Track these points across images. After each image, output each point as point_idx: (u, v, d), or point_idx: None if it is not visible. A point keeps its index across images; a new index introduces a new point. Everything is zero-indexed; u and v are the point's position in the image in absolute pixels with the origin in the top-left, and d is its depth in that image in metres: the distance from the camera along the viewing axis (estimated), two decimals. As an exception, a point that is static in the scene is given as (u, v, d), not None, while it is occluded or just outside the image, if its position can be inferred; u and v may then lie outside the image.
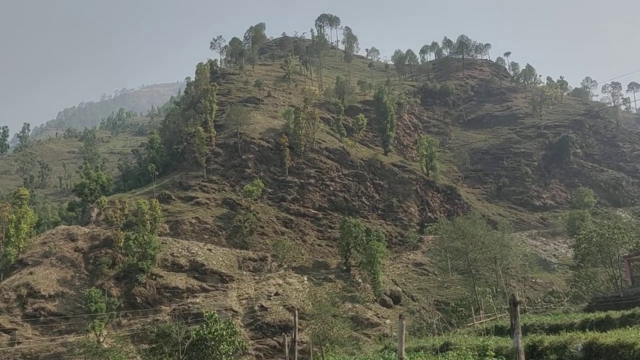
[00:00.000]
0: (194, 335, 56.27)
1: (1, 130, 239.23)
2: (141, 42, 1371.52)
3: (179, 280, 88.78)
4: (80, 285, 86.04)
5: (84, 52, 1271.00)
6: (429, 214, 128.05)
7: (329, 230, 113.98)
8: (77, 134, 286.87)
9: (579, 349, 23.31)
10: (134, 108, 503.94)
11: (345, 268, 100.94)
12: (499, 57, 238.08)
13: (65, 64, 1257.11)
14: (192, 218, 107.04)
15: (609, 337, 22.51)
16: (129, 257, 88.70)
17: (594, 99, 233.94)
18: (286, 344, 39.03)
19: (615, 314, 34.60)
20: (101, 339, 72.69)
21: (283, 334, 35.85)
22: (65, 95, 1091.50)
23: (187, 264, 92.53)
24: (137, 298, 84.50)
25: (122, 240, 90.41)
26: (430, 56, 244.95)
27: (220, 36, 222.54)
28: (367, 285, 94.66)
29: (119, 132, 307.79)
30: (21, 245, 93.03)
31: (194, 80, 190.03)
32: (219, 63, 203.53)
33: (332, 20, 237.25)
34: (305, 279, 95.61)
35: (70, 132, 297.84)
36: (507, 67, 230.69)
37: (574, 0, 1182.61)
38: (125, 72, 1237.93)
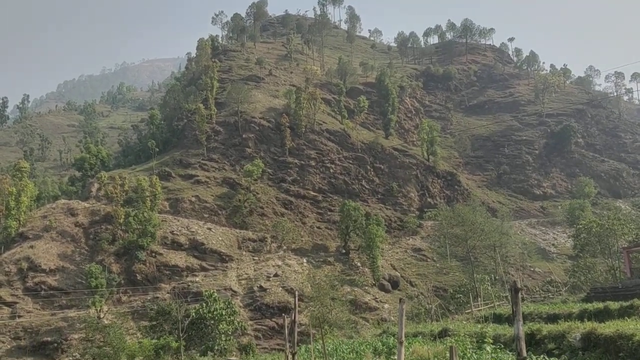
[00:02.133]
0: (193, 314, 56.93)
1: (0, 101, 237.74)
2: (143, 14, 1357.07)
3: (179, 259, 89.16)
4: (80, 260, 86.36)
5: (85, 23, 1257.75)
6: (429, 200, 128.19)
7: (329, 213, 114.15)
8: (76, 107, 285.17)
9: (578, 339, 23.53)
10: (134, 82, 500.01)
11: (344, 251, 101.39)
12: (503, 43, 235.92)
13: (65, 35, 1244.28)
14: (192, 196, 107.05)
15: (607, 328, 22.70)
16: (129, 233, 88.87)
17: (597, 88, 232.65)
18: (285, 325, 39.35)
19: (613, 305, 34.88)
20: (101, 315, 73.27)
21: (283, 315, 36.11)
22: (65, 67, 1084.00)
23: (187, 243, 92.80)
24: (137, 275, 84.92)
25: (122, 216, 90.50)
26: (434, 39, 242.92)
27: (222, 11, 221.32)
28: (366, 269, 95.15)
29: (119, 106, 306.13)
30: (22, 219, 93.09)
31: (195, 56, 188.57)
32: (220, 39, 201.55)
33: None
34: (305, 261, 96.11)
35: (70, 105, 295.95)
36: (510, 52, 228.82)
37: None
38: (126, 46, 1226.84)
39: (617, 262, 67.55)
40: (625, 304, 34.19)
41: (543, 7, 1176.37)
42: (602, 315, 32.64)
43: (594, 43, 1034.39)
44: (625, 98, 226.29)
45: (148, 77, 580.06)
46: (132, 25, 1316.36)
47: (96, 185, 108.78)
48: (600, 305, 36.14)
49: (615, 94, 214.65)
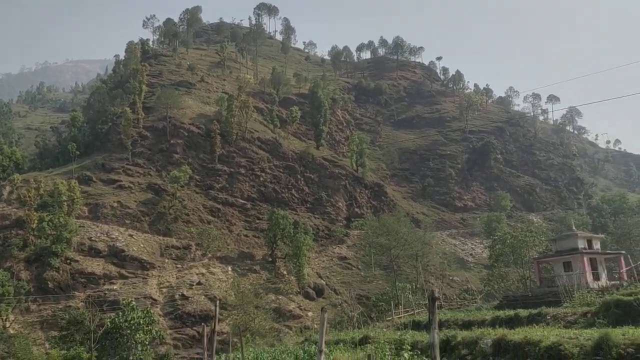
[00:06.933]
0: (108, 323, 54.32)
1: None
2: (68, 11, 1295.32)
3: (96, 266, 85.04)
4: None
5: (2, 17, 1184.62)
6: (356, 210, 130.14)
7: (257, 221, 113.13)
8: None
9: (489, 345, 24.49)
10: (56, 83, 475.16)
11: (270, 259, 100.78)
12: (431, 61, 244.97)
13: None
14: (114, 202, 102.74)
15: (516, 334, 23.76)
16: (42, 239, 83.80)
17: (516, 108, 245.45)
18: (205, 334, 38.34)
19: (523, 312, 36.59)
20: (7, 324, 68.54)
21: (202, 324, 35.23)
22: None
23: (106, 249, 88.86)
24: (49, 283, 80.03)
25: (35, 221, 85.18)
26: (366, 54, 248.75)
27: (154, 15, 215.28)
28: (292, 277, 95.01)
29: (38, 107, 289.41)
30: None
31: (123, 58, 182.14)
32: (151, 43, 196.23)
33: (271, 10, 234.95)
34: (230, 269, 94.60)
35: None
36: (438, 71, 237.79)
37: (502, 16, 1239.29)
38: (49, 44, 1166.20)
39: (528, 271, 70.95)
40: (534, 311, 35.95)
41: (469, 30, 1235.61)
42: (513, 322, 34.14)
43: (515, 65, 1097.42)
44: (541, 118, 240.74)
45: (71, 78, 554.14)
46: (57, 22, 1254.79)
47: (8, 189, 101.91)
48: (512, 312, 37.81)
49: (532, 114, 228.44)
